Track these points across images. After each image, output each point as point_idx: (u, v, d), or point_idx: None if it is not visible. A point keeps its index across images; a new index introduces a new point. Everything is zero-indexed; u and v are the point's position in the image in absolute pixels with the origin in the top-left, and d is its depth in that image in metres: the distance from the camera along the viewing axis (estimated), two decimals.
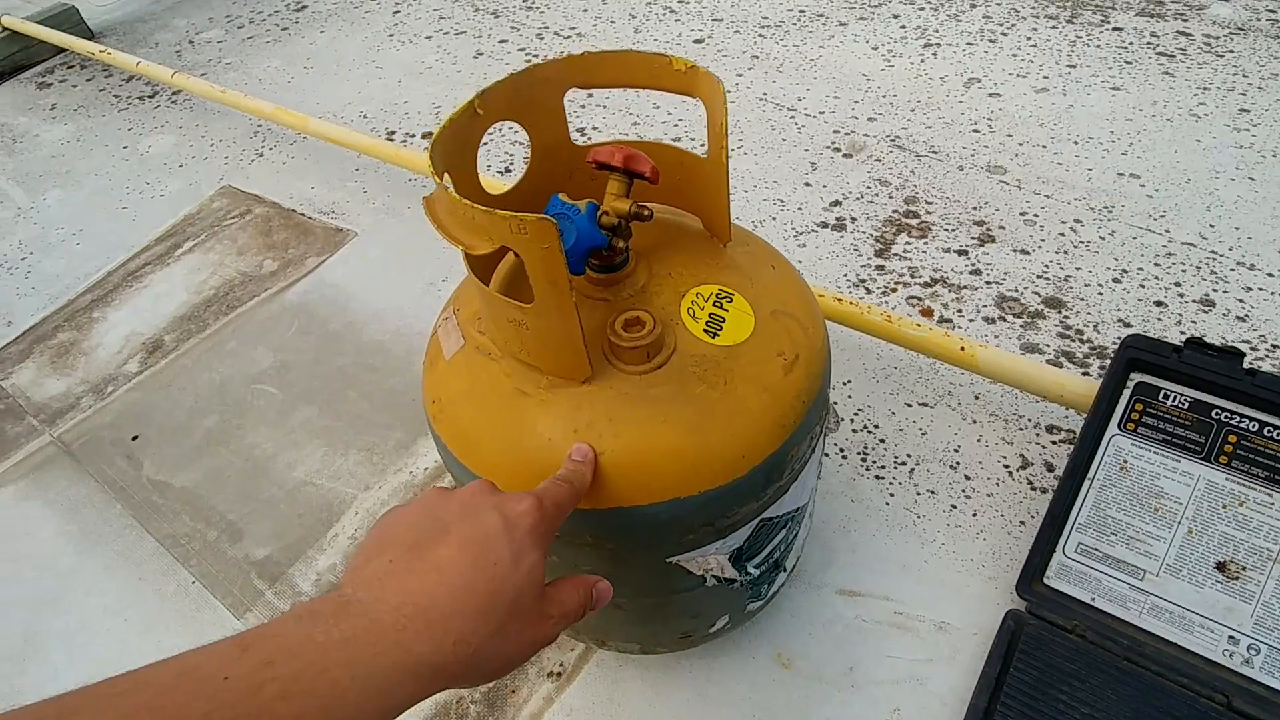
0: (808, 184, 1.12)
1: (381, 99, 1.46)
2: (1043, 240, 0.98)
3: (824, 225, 1.05)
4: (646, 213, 0.44)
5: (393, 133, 1.36)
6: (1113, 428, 0.64)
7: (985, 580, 0.67)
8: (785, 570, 0.58)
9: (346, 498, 0.82)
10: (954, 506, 0.73)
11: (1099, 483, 0.63)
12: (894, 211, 1.05)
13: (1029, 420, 0.79)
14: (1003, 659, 0.60)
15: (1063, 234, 0.99)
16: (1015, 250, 0.97)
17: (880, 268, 0.97)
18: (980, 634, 0.64)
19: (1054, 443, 0.77)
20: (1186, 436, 0.62)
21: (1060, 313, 0.89)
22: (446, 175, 0.42)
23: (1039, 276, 0.93)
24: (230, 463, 0.87)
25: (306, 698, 0.26)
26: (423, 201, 0.40)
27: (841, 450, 0.78)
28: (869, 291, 0.95)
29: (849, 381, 0.85)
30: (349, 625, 0.29)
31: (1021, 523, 0.71)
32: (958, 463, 0.76)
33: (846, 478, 0.76)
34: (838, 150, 1.18)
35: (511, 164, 1.25)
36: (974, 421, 0.79)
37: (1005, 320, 0.89)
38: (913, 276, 0.96)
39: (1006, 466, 0.75)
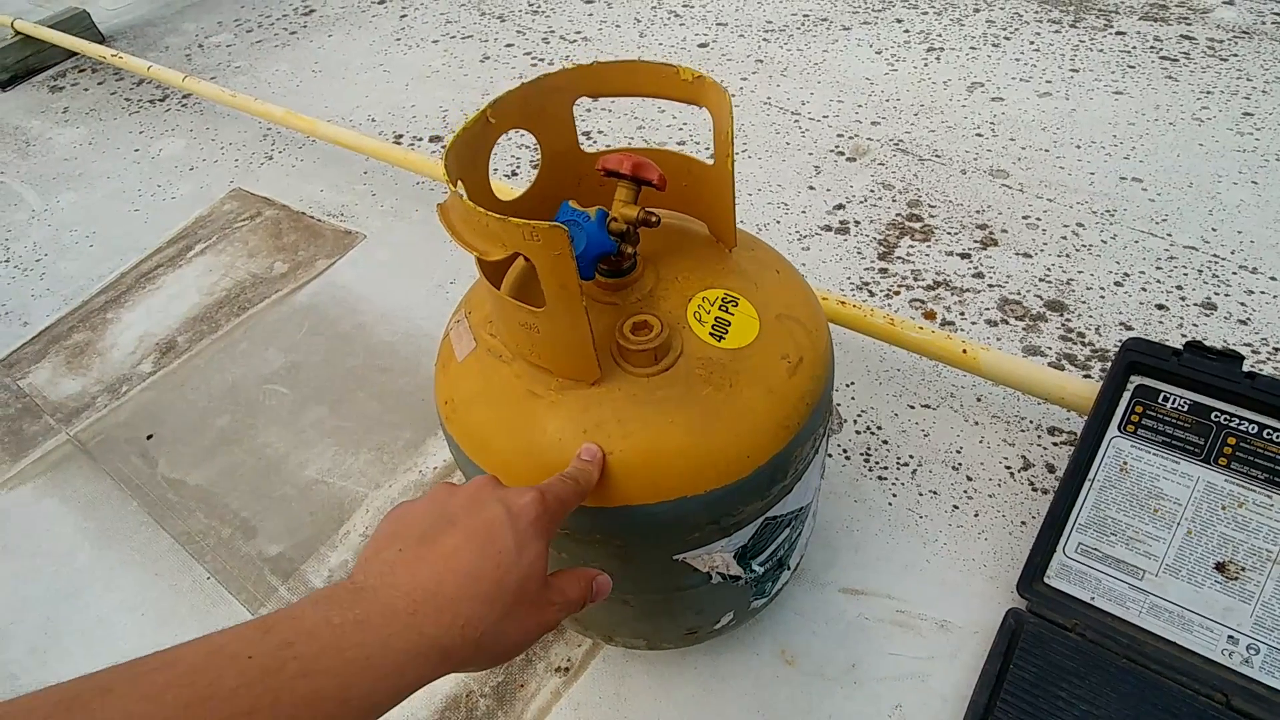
0: (811, 187, 1.13)
1: (389, 102, 1.48)
2: (1045, 243, 0.99)
3: (827, 229, 1.06)
4: (654, 219, 0.45)
5: (400, 136, 1.38)
6: (1113, 429, 0.65)
7: (986, 579, 0.68)
8: (789, 568, 0.59)
9: (357, 496, 0.83)
10: (956, 507, 0.74)
11: (1099, 484, 0.64)
12: (897, 215, 1.06)
13: (1030, 422, 0.80)
14: (1003, 657, 0.61)
15: (1065, 237, 0.99)
16: (1018, 253, 0.98)
17: (883, 271, 0.98)
18: (981, 632, 0.65)
19: (1055, 444, 0.78)
20: (1186, 438, 0.63)
21: (1062, 315, 0.90)
22: (460, 183, 0.43)
23: (1041, 279, 0.94)
24: (243, 461, 0.89)
25: (324, 676, 0.28)
26: (437, 209, 0.41)
27: (845, 451, 0.79)
28: (872, 294, 0.96)
29: (852, 383, 0.86)
30: (363, 609, 0.30)
31: (1023, 523, 0.72)
32: (960, 464, 0.77)
33: (850, 478, 0.77)
34: (841, 154, 1.19)
35: (518, 168, 1.26)
36: (976, 423, 0.80)
37: (1007, 323, 0.90)
38: (916, 279, 0.97)
39: (1008, 468, 0.76)
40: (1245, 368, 0.61)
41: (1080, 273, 0.94)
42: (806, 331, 0.49)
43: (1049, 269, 0.96)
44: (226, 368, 1.01)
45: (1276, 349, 0.83)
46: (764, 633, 0.66)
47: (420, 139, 1.36)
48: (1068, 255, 0.97)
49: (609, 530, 0.46)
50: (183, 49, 1.82)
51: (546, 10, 1.71)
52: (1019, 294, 0.93)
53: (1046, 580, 0.64)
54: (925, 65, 1.35)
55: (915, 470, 0.77)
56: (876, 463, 0.78)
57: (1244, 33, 1.31)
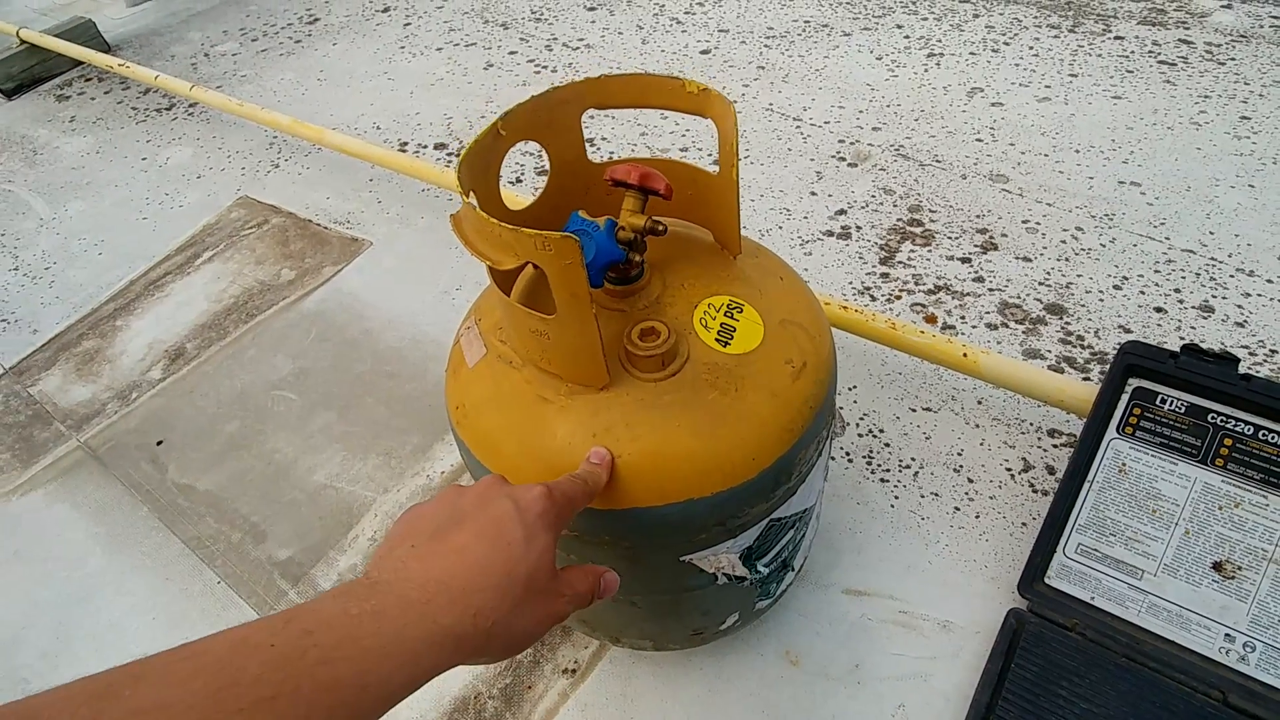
0: (813, 193, 1.14)
1: (393, 110, 1.49)
2: (1044, 247, 1.00)
3: (829, 234, 1.07)
4: (661, 228, 0.46)
5: (405, 144, 1.39)
6: (1111, 431, 0.66)
7: (988, 580, 0.69)
8: (793, 570, 0.60)
9: (366, 500, 0.84)
10: (957, 508, 0.75)
11: (1098, 485, 0.65)
12: (898, 220, 1.07)
13: (1031, 424, 0.81)
14: (1004, 656, 0.62)
15: (1064, 241, 1.01)
16: (1017, 257, 0.99)
17: (885, 275, 0.99)
18: (983, 632, 0.66)
19: (1055, 446, 0.79)
20: (1183, 440, 0.64)
21: (1062, 319, 0.91)
22: (473, 194, 0.44)
23: (1041, 283, 0.95)
24: (252, 466, 0.90)
25: (343, 663, 0.29)
26: (450, 219, 0.42)
27: (848, 454, 0.80)
28: (874, 299, 0.97)
29: (854, 387, 0.87)
30: (379, 601, 0.32)
31: (1023, 524, 0.73)
32: (961, 466, 0.78)
33: (852, 481, 0.78)
34: (843, 159, 1.20)
35: (522, 174, 1.27)
36: (977, 426, 0.81)
37: (1008, 326, 0.91)
38: (917, 284, 0.98)
39: (1009, 469, 0.77)
40: (1242, 370, 0.62)
41: (1079, 276, 0.95)
42: (810, 336, 0.50)
43: (1048, 273, 0.97)
44: (235, 374, 1.02)
45: (1274, 351, 0.84)
46: (768, 634, 0.67)
47: (425, 146, 1.37)
48: (1067, 259, 0.98)
49: (617, 532, 0.47)
50: (188, 58, 1.84)
51: (549, 18, 1.72)
52: (1019, 298, 0.94)
53: (1047, 580, 0.65)
54: (925, 71, 1.36)
55: (917, 472, 0.78)
56: (879, 465, 0.79)
57: (1242, 37, 1.33)
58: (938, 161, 1.17)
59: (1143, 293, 0.92)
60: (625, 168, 0.46)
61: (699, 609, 0.55)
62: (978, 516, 0.74)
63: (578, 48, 1.59)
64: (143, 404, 1.00)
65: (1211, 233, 0.99)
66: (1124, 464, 0.65)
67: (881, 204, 1.10)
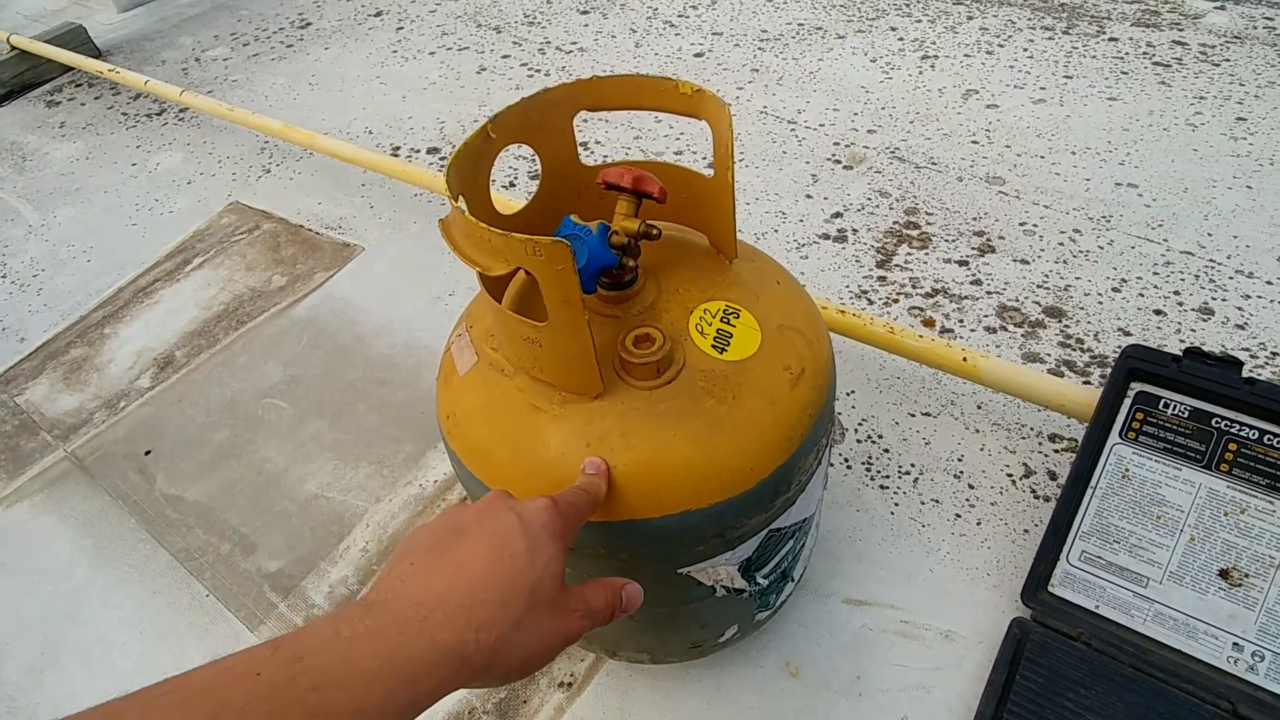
0: (809, 196, 1.13)
1: (386, 114, 1.48)
2: (1042, 250, 0.99)
3: (825, 237, 1.06)
4: (655, 232, 0.45)
5: (398, 148, 1.38)
6: (1114, 436, 0.65)
7: (990, 588, 0.68)
8: (793, 580, 0.59)
9: (357, 510, 0.83)
10: (958, 515, 0.74)
11: (1101, 491, 0.64)
12: (895, 223, 1.07)
13: (1031, 429, 0.80)
14: (1009, 667, 0.61)
15: (1062, 244, 1.00)
16: (1015, 260, 0.98)
17: (882, 279, 0.99)
18: (986, 642, 0.64)
19: (1056, 451, 0.78)
20: (1187, 445, 0.63)
21: (1060, 322, 0.90)
22: (462, 198, 0.43)
23: (1039, 286, 0.95)
24: (242, 476, 0.89)
25: (335, 689, 0.28)
26: (439, 224, 0.41)
27: (846, 460, 0.79)
28: (871, 302, 0.96)
29: (852, 392, 0.86)
30: (374, 621, 0.30)
31: (1025, 531, 0.72)
32: (961, 472, 0.77)
33: (851, 487, 0.77)
34: (838, 162, 1.19)
35: (515, 178, 1.26)
36: (977, 431, 0.80)
37: (1006, 330, 0.90)
38: (914, 287, 0.97)
39: (1010, 475, 0.76)
40: (1244, 373, 0.61)
41: (1078, 279, 0.95)
42: (808, 342, 0.49)
43: (1047, 275, 0.96)
44: (225, 382, 1.00)
45: (1274, 353, 0.83)
46: (768, 645, 0.66)
47: (418, 151, 1.36)
48: (1065, 261, 0.97)
49: (613, 544, 0.45)
50: (179, 63, 1.82)
51: (542, 22, 1.71)
52: (1017, 301, 0.93)
53: (1050, 589, 0.64)
54: (920, 73, 1.36)
55: (917, 479, 0.77)
56: (878, 471, 0.78)
57: (1236, 38, 1.32)
58: (933, 164, 1.16)
59: (1142, 295, 0.92)
60: (618, 171, 0.45)
61: (697, 621, 0.54)
62: (979, 523, 0.73)
63: (571, 51, 1.59)
64: (131, 413, 0.99)
65: (1210, 234, 0.98)
66: (1127, 469, 0.64)
67: (878, 207, 1.10)
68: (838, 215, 1.09)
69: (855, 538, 0.73)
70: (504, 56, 1.61)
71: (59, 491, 0.91)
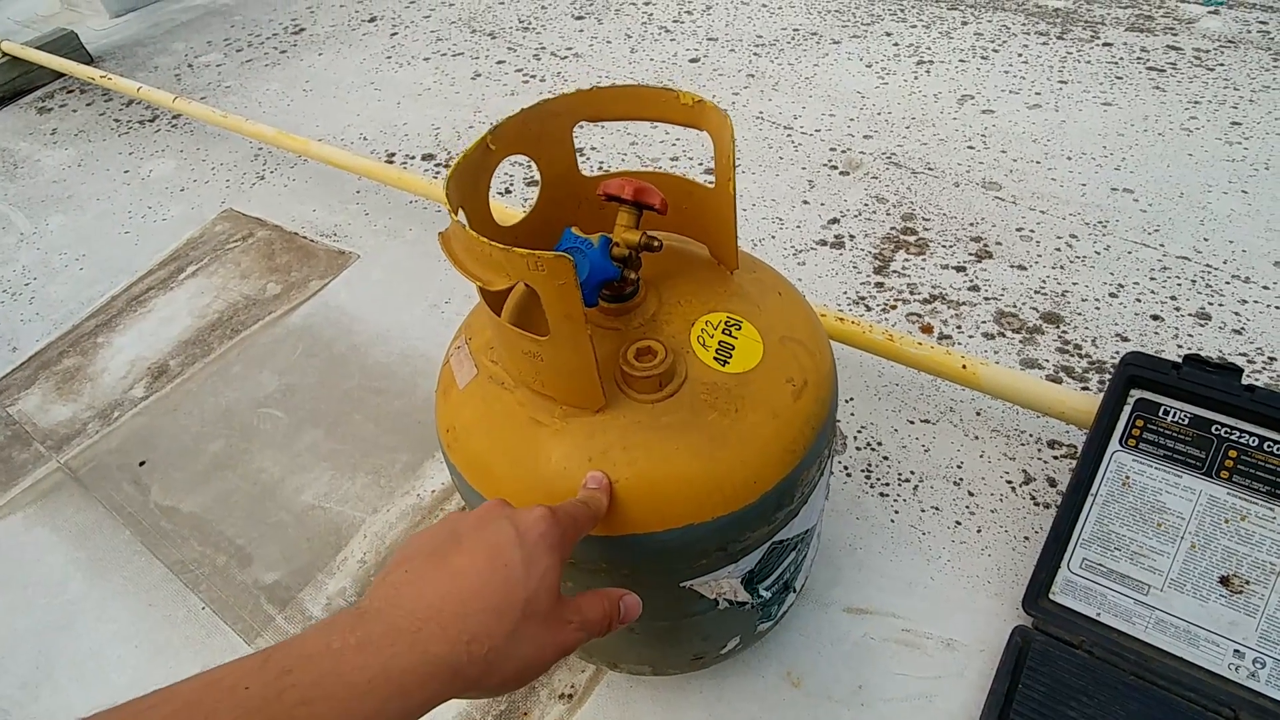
0: (806, 202, 1.13)
1: (380, 121, 1.48)
2: (1039, 255, 0.99)
3: (823, 243, 1.06)
4: (656, 243, 0.45)
5: (392, 155, 1.37)
6: (1114, 444, 0.65)
7: (991, 596, 0.68)
8: (795, 591, 0.59)
9: (355, 521, 0.82)
10: (958, 523, 0.74)
11: (1102, 498, 0.64)
12: (892, 228, 1.07)
13: (1030, 435, 0.80)
14: (1011, 675, 0.60)
15: (1058, 249, 1.00)
16: (1012, 266, 0.98)
17: (879, 285, 0.99)
18: (987, 650, 0.64)
19: (1055, 458, 0.78)
20: (1187, 452, 0.63)
21: (1058, 328, 0.90)
22: (462, 212, 0.42)
23: (1036, 292, 0.95)
24: (238, 487, 0.88)
25: (325, 702, 0.27)
26: (439, 238, 0.41)
27: (846, 468, 0.79)
28: (869, 309, 0.96)
29: (851, 399, 0.85)
30: (365, 631, 0.30)
31: (1025, 538, 0.72)
32: (961, 479, 0.77)
33: (851, 495, 0.77)
34: (834, 168, 1.19)
35: (511, 185, 1.26)
36: (976, 437, 0.80)
37: (1004, 336, 0.90)
38: (912, 293, 0.97)
39: (1009, 482, 0.76)
40: (1243, 380, 0.61)
41: (1075, 284, 0.95)
42: (810, 353, 0.48)
43: (1044, 281, 0.96)
44: (220, 391, 1.00)
45: (1271, 359, 0.83)
46: (769, 655, 0.66)
47: (413, 157, 1.36)
48: (1062, 267, 0.97)
49: (614, 559, 0.45)
50: (172, 69, 1.81)
51: (537, 27, 1.71)
52: (1015, 306, 0.93)
53: (1052, 596, 0.64)
54: (915, 78, 1.36)
55: (917, 486, 0.77)
56: (878, 479, 0.78)
57: (1230, 42, 1.33)
58: (930, 169, 1.16)
59: (1139, 300, 0.92)
60: (619, 182, 0.45)
61: (699, 634, 0.54)
62: (979, 531, 0.73)
63: (566, 57, 1.58)
64: (125, 423, 0.98)
65: (1205, 239, 0.98)
66: (1127, 477, 0.64)
67: (874, 212, 1.10)
68: (835, 221, 1.09)
69: (855, 546, 0.73)
70: (499, 62, 1.60)
71: (52, 503, 0.90)
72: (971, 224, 1.05)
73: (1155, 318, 0.89)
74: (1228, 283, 0.92)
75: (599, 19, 1.71)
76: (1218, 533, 0.60)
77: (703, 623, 0.52)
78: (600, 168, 1.25)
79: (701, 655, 0.57)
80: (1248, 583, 0.59)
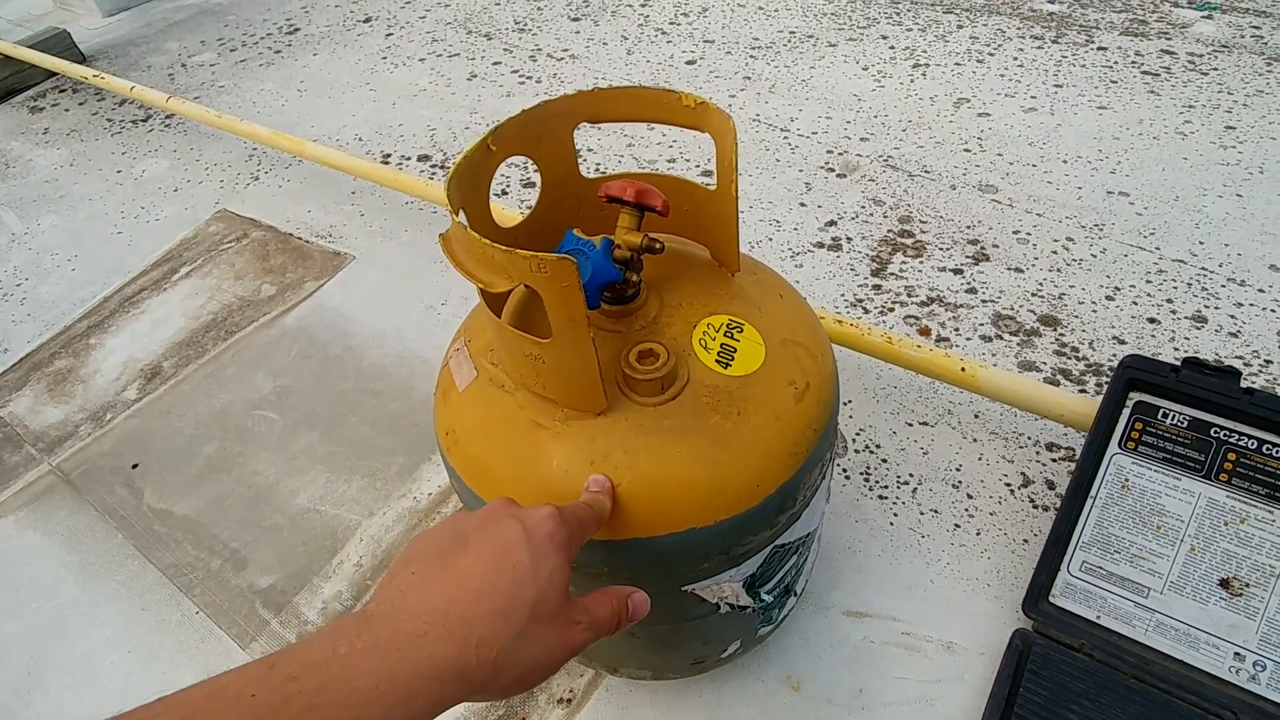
0: (803, 204, 1.13)
1: (376, 121, 1.47)
2: (1036, 258, 1.00)
3: (820, 245, 1.06)
4: (658, 245, 0.45)
5: (388, 155, 1.37)
6: (1113, 446, 0.65)
7: (991, 599, 0.68)
8: (795, 595, 0.58)
9: (350, 524, 0.82)
10: (957, 525, 0.73)
11: (1101, 501, 0.64)
12: (889, 231, 1.07)
13: (1028, 438, 0.80)
14: (1011, 679, 0.60)
15: (1055, 252, 1.00)
16: (1009, 268, 0.99)
17: (877, 287, 0.98)
18: (987, 654, 0.64)
19: (1054, 460, 0.78)
20: (1186, 455, 0.63)
21: (1056, 330, 0.90)
22: (463, 213, 0.42)
23: (1033, 294, 0.95)
24: (232, 490, 0.87)
25: (332, 708, 0.27)
26: (439, 239, 0.40)
27: (844, 471, 0.79)
28: (866, 311, 0.96)
29: (849, 402, 0.85)
30: (371, 636, 0.29)
31: (1025, 541, 0.72)
32: (960, 481, 0.77)
33: (850, 498, 0.76)
34: (831, 170, 1.19)
35: (507, 187, 1.25)
36: (974, 440, 0.80)
37: (1002, 338, 0.90)
38: (909, 295, 0.97)
39: (1008, 485, 0.76)
40: (1241, 383, 0.61)
41: (1072, 287, 0.95)
42: (812, 356, 0.48)
43: (1041, 284, 0.96)
44: (214, 393, 0.99)
45: (1268, 362, 0.84)
46: (769, 659, 0.66)
47: (408, 158, 1.35)
48: (1059, 270, 0.98)
49: (616, 563, 0.45)
50: (165, 69, 1.80)
51: (533, 29, 1.71)
52: (1012, 309, 0.93)
53: (1052, 599, 0.63)
54: (911, 81, 1.36)
55: (915, 489, 0.77)
56: (877, 482, 0.78)
57: (1223, 47, 1.34)
58: (926, 172, 1.16)
59: (1135, 303, 0.92)
60: (621, 184, 0.44)
61: (700, 638, 0.53)
62: (978, 533, 0.73)
63: (562, 58, 1.58)
64: (117, 425, 0.97)
65: (1201, 242, 0.99)
66: (1127, 479, 0.64)
67: (871, 215, 1.10)
68: (832, 224, 1.09)
69: (855, 549, 0.73)
70: (495, 63, 1.60)
71: (44, 506, 0.89)
72: (968, 227, 1.06)
73: (1152, 320, 0.90)
74: (1223, 286, 0.93)
75: (595, 21, 1.70)
76: (1217, 535, 0.60)
77: (704, 627, 0.51)
78: (597, 170, 1.25)
79: (702, 659, 0.57)
80: (1247, 585, 0.59)
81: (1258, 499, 0.60)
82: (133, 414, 0.98)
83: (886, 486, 0.77)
